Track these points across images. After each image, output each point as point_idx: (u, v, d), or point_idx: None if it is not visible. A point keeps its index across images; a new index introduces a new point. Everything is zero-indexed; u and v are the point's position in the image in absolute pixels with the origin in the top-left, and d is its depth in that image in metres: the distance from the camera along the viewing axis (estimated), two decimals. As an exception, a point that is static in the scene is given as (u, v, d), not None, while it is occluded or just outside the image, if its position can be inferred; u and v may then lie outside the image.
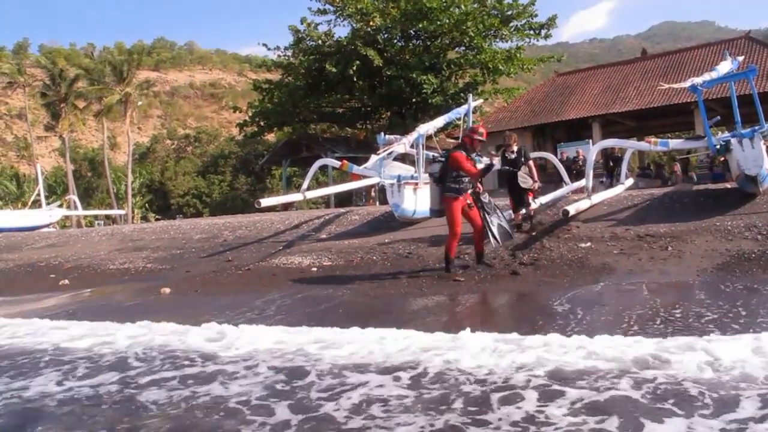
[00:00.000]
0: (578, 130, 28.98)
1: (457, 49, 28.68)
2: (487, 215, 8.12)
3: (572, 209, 9.29)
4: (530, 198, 9.99)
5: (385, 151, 11.44)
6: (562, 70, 35.83)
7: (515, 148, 10.06)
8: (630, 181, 12.77)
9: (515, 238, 8.82)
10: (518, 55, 28.20)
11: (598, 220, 9.53)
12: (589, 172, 10.55)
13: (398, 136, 12.80)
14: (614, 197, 10.87)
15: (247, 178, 63.25)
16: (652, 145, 10.35)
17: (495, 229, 8.06)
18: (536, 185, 10.01)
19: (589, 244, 8.44)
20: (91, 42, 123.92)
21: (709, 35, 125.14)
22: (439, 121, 13.88)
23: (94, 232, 18.53)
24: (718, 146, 10.02)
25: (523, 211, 10.01)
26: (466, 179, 8.01)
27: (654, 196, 10.58)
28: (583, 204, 9.90)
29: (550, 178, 19.42)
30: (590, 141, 24.50)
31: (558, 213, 9.36)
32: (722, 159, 13.46)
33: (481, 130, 8.39)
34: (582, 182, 11.48)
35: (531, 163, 10.07)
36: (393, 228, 11.32)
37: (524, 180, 9.91)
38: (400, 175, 11.27)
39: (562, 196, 11.38)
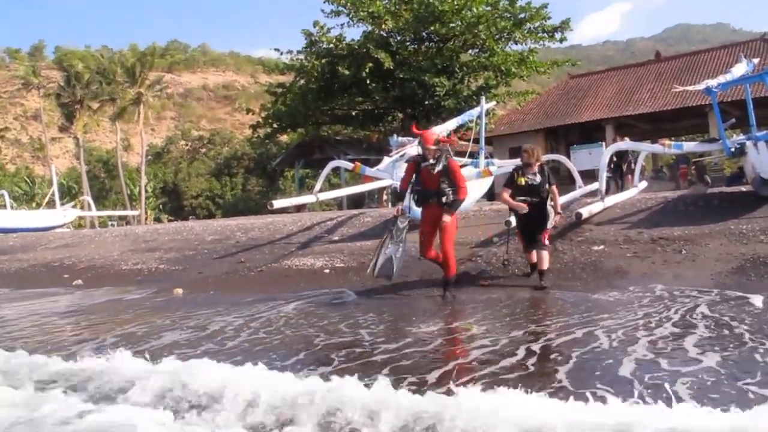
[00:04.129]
0: (591, 133, 28.86)
1: (469, 51, 28.61)
2: (388, 240, 7.53)
3: (585, 212, 9.25)
4: (546, 237, 7.71)
5: (397, 153, 11.45)
6: (575, 73, 35.71)
7: (536, 169, 7.74)
8: (644, 184, 12.70)
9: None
10: (531, 57, 28.11)
11: (611, 223, 9.48)
12: (602, 175, 10.50)
13: (411, 138, 12.80)
14: (628, 200, 10.81)
15: (260, 180, 63.45)
16: (666, 147, 10.30)
17: (381, 259, 7.50)
18: (558, 218, 7.97)
19: (602, 247, 8.41)
20: (105, 44, 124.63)
21: (724, 37, 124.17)
22: (452, 124, 13.87)
23: (107, 233, 18.65)
24: (733, 149, 9.96)
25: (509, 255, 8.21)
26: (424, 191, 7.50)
27: (668, 199, 10.52)
28: (596, 207, 9.86)
29: (562, 181, 19.37)
30: (603, 144, 24.41)
31: (571, 216, 9.31)
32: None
33: (426, 135, 7.63)
34: (594, 185, 11.43)
35: (554, 187, 7.79)
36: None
37: (548, 213, 7.74)
38: (413, 178, 11.24)
39: (575, 199, 11.33)
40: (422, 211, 7.64)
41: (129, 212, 49.15)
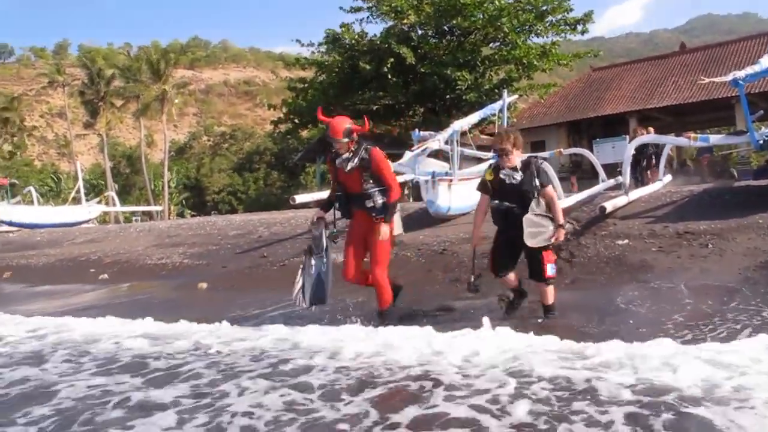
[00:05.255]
0: (615, 126, 28.62)
1: (491, 44, 28.41)
2: (308, 258, 6.13)
3: (609, 206, 9.16)
4: (547, 263, 5.65)
5: (419, 147, 11.41)
6: (597, 65, 35.38)
7: (518, 162, 5.73)
8: (668, 178, 12.55)
9: None
10: (553, 50, 27.85)
11: (635, 217, 9.37)
12: (626, 169, 10.40)
13: (432, 133, 12.76)
14: (652, 194, 10.69)
15: (281, 175, 63.71)
16: (692, 140, 10.16)
17: (308, 283, 6.04)
18: (562, 233, 5.68)
19: (626, 241, 8.31)
20: (127, 42, 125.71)
21: (750, 27, 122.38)
22: (474, 118, 13.77)
23: (132, 228, 18.84)
24: (761, 141, 9.80)
25: (472, 278, 5.98)
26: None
27: (693, 192, 10.38)
28: (621, 201, 9.75)
29: (584, 175, 19.25)
30: (627, 137, 24.18)
31: (595, 210, 9.21)
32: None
33: (334, 124, 5.79)
34: (618, 179, 11.32)
35: (550, 189, 5.74)
36: (427, 224, 11.29)
37: (535, 225, 5.55)
38: (435, 172, 11.23)
39: (598, 192, 11.23)
40: (350, 222, 6.19)
41: (152, 208, 49.62)
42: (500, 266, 5.85)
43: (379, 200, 5.78)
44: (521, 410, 3.34)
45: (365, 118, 6.07)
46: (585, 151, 15.99)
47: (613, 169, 14.01)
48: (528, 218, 5.58)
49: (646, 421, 3.10)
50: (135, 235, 16.37)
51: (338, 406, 3.63)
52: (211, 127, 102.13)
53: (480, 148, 14.47)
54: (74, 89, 66.54)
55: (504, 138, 5.78)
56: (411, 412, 3.45)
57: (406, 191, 23.74)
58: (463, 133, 12.88)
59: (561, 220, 5.70)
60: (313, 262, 6.07)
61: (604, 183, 12.04)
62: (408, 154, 11.53)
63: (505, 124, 13.89)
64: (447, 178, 11.15)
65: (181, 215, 57.63)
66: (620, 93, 30.52)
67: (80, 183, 34.23)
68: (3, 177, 41.54)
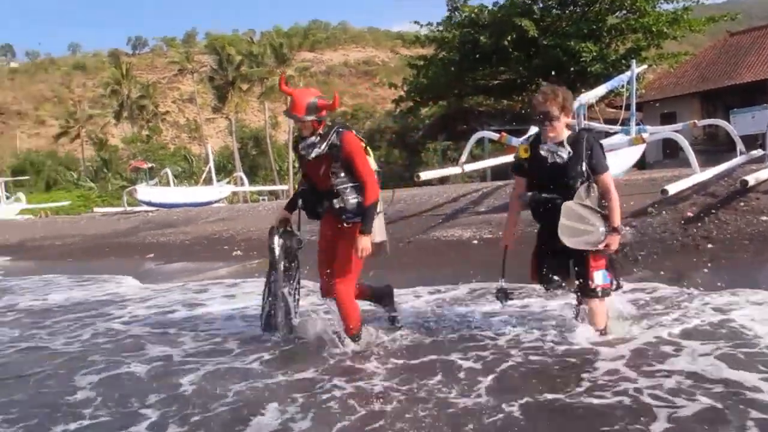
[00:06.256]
0: (754, 95, 26.82)
1: (617, 13, 27.33)
2: (272, 277, 4.97)
3: (752, 179, 8.67)
4: (595, 270, 4.22)
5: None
6: (734, 29, 33.22)
7: (563, 137, 4.23)
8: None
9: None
10: (685, 16, 26.38)
11: (780, 191, 8.82)
12: (769, 140, 9.81)
13: (557, 107, 12.48)
14: (799, 165, 10.01)
15: (402, 153, 64.09)
16: None
17: (279, 311, 4.89)
18: (615, 241, 4.23)
19: (771, 216, 7.87)
20: (251, 27, 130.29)
21: None
22: (601, 90, 13.37)
23: (260, 207, 19.62)
24: None
25: (503, 283, 4.63)
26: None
27: None
28: (764, 174, 9.21)
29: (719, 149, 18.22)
30: (768, 105, 22.65)
31: (735, 184, 8.73)
32: None
33: (297, 97, 4.60)
34: (759, 151, 10.69)
35: (606, 178, 4.25)
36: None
37: (579, 220, 4.14)
38: (561, 147, 11.00)
39: (738, 165, 10.63)
40: (320, 226, 4.95)
41: (278, 187, 51.31)
42: (544, 278, 4.47)
43: (352, 200, 4.53)
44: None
45: (335, 94, 4.65)
46: (722, 122, 15.14)
47: (753, 141, 13.22)
48: (569, 207, 4.14)
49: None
50: (264, 214, 17.03)
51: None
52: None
53: (609, 121, 14.05)
54: (203, 76, 69.83)
55: (548, 97, 4.23)
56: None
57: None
58: (590, 107, 12.55)
59: (617, 221, 4.20)
60: (272, 279, 4.92)
61: (744, 155, 11.40)
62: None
63: (634, 95, 13.38)
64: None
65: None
66: (761, 59, 28.58)
67: (211, 164, 35.83)
68: (142, 160, 44.30)
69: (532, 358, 4.24)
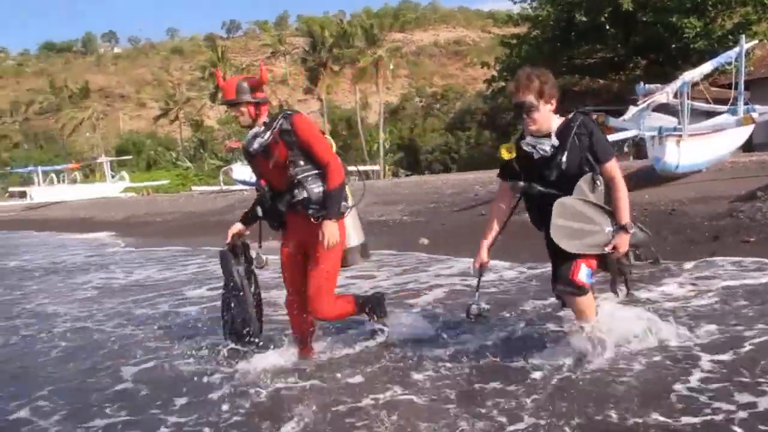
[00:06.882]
0: None
1: (724, -15, 25.91)
2: (238, 286, 4.32)
3: None
4: (583, 262, 3.55)
5: (645, 101, 10.84)
6: None
7: (553, 123, 3.71)
8: None
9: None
10: (803, -17, 24.69)
11: None
12: None
13: (659, 86, 12.00)
14: None
15: (492, 134, 63.38)
16: None
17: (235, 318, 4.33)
18: (625, 242, 3.58)
19: None
20: (341, 9, 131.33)
21: None
22: (706, 67, 12.73)
23: (352, 187, 19.82)
24: None
25: (482, 306, 3.99)
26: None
27: None
28: None
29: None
30: None
31: None
32: None
33: (227, 86, 4.04)
34: None
35: (611, 165, 3.61)
36: (651, 184, 10.73)
37: (579, 219, 3.55)
38: (662, 127, 10.61)
39: None
40: (282, 237, 4.35)
41: (369, 167, 51.77)
42: (557, 273, 3.76)
43: (316, 189, 4.00)
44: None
45: (260, 67, 4.24)
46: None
47: None
48: (563, 204, 3.52)
49: None
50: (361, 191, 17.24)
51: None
52: (422, 88, 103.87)
53: (718, 101, 13.42)
54: (294, 58, 70.99)
55: (522, 84, 3.58)
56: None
57: (626, 149, 22.61)
58: (694, 85, 12.00)
59: (626, 218, 3.55)
60: (239, 300, 4.29)
61: None
62: (632, 109, 11.01)
63: (743, 73, 12.70)
64: (676, 133, 10.51)
65: (395, 175, 59.63)
66: None
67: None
68: (237, 140, 45.56)
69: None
